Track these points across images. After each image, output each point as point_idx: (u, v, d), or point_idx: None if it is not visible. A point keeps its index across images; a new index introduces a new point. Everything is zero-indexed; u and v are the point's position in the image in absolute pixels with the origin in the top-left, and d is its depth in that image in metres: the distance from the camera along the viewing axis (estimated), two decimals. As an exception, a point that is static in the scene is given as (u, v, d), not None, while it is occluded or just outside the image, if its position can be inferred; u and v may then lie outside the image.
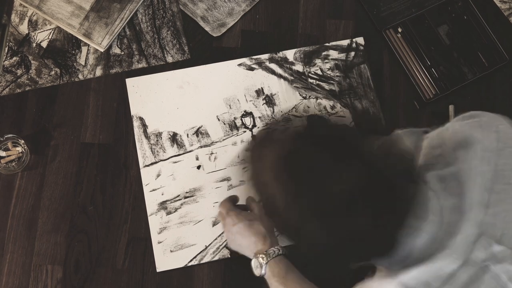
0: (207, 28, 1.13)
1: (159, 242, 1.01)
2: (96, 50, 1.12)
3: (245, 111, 1.09)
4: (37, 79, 1.10)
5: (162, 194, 1.04)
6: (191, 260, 1.01)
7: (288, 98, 1.10)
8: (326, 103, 1.10)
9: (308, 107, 1.09)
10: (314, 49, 1.13)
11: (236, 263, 1.01)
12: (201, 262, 1.01)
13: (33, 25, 1.13)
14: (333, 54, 1.12)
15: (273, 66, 1.11)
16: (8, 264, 1.00)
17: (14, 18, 1.13)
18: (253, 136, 1.07)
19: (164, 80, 1.10)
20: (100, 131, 1.07)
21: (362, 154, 0.62)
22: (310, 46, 1.13)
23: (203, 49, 1.13)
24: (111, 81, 1.10)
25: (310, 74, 1.11)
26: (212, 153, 1.06)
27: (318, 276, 0.78)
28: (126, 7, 1.13)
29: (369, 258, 0.65)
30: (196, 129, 1.08)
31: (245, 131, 1.08)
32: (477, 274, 0.61)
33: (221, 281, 1.00)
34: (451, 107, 1.09)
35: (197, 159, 1.06)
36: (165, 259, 1.00)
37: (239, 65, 1.11)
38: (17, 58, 1.11)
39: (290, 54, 1.12)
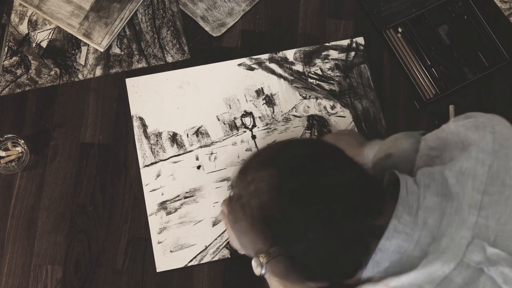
0: (207, 28, 1.13)
1: (159, 242, 1.01)
2: (96, 50, 1.11)
3: (245, 111, 1.09)
4: (37, 79, 1.10)
5: (162, 194, 1.04)
6: (191, 260, 1.00)
7: (288, 98, 1.10)
8: (326, 103, 1.10)
9: (308, 107, 1.09)
10: (314, 49, 1.13)
11: (236, 263, 1.01)
12: (201, 262, 1.00)
13: (32, 25, 1.13)
14: (333, 54, 1.12)
15: (273, 66, 1.11)
16: (8, 264, 1.00)
17: (14, 18, 1.13)
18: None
19: (164, 80, 1.10)
20: (100, 131, 1.07)
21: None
22: (310, 46, 1.13)
23: (203, 49, 1.13)
24: (111, 81, 1.10)
25: (310, 74, 1.11)
26: (212, 153, 1.06)
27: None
28: (126, 7, 1.12)
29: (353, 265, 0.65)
30: (196, 129, 1.07)
31: (245, 131, 1.08)
32: (471, 277, 0.61)
33: (221, 281, 1.00)
34: (451, 107, 1.09)
35: (197, 159, 1.06)
36: (165, 259, 1.00)
37: (239, 65, 1.11)
38: (17, 58, 1.11)
39: (290, 54, 1.12)
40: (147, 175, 1.04)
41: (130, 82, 1.09)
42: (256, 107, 1.09)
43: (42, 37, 1.12)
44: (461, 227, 0.62)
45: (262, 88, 1.10)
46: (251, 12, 1.15)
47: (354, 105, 1.10)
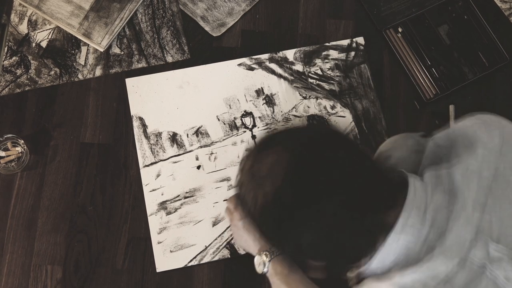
0: (207, 28, 1.13)
1: (159, 242, 1.01)
2: (95, 50, 1.11)
3: (245, 111, 1.09)
4: (37, 79, 1.10)
5: (162, 194, 1.04)
6: (191, 260, 1.00)
7: (288, 98, 1.10)
8: (326, 103, 1.10)
9: (308, 107, 1.09)
10: (314, 49, 1.12)
11: (236, 263, 1.00)
12: (201, 262, 1.00)
13: (32, 24, 1.13)
14: (333, 54, 1.12)
15: (273, 66, 1.11)
16: (8, 265, 1.00)
17: (14, 17, 1.13)
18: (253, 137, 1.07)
19: (164, 80, 1.10)
20: (99, 131, 1.07)
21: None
22: (310, 46, 1.13)
23: (203, 49, 1.13)
24: (111, 81, 1.10)
25: (310, 74, 1.11)
26: (212, 153, 1.06)
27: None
28: (125, 6, 1.12)
29: (356, 255, 0.66)
30: (196, 129, 1.07)
31: (245, 131, 1.08)
32: (475, 274, 0.61)
33: (221, 281, 1.00)
34: (451, 107, 1.09)
35: (197, 159, 1.06)
36: (165, 259, 1.00)
37: (239, 65, 1.11)
38: (17, 58, 1.11)
39: (290, 54, 1.12)
40: (147, 175, 1.04)
41: (130, 82, 1.09)
42: (256, 107, 1.09)
43: (42, 37, 1.12)
44: (465, 223, 0.62)
45: (262, 88, 1.10)
46: (251, 12, 1.15)
47: (354, 105, 1.09)
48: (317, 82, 1.11)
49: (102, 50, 1.11)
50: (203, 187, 1.04)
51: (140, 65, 1.11)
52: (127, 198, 1.03)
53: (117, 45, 1.12)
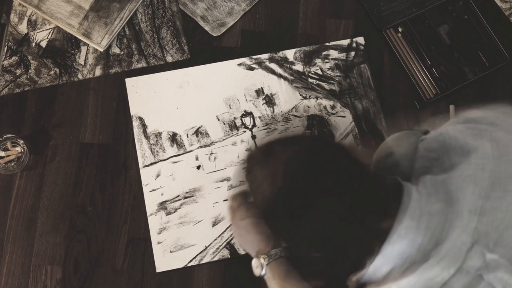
0: (207, 28, 1.13)
1: (158, 243, 1.01)
2: (95, 50, 1.11)
3: (245, 111, 1.09)
4: (37, 79, 1.09)
5: (162, 194, 1.03)
6: (190, 261, 1.00)
7: (288, 98, 1.09)
8: (326, 103, 1.09)
9: (308, 107, 1.09)
10: (314, 49, 1.12)
11: (236, 264, 1.00)
12: (201, 262, 1.00)
13: (32, 24, 1.12)
14: (333, 53, 1.12)
15: (273, 66, 1.11)
16: (8, 265, 1.00)
17: (13, 17, 1.13)
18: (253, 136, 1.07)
19: (164, 80, 1.10)
20: (99, 131, 1.07)
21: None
22: (310, 45, 1.12)
23: (203, 48, 1.12)
24: (110, 81, 1.10)
25: (310, 74, 1.11)
26: (212, 153, 1.06)
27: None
28: (125, 6, 1.12)
29: (357, 261, 0.66)
30: (196, 129, 1.07)
31: (245, 131, 1.08)
32: (471, 283, 0.61)
33: (220, 282, 1.00)
34: (451, 107, 1.09)
35: (197, 159, 1.06)
36: (165, 260, 1.00)
37: (239, 65, 1.11)
38: (16, 58, 1.11)
39: (290, 54, 1.12)
40: (146, 175, 1.04)
41: (129, 82, 1.09)
42: (256, 107, 1.09)
43: (41, 37, 1.12)
44: (461, 232, 0.62)
45: (262, 88, 1.10)
46: (251, 12, 1.15)
47: (354, 105, 1.09)
48: (317, 82, 1.10)
49: (102, 50, 1.10)
50: (203, 187, 1.04)
51: (140, 65, 1.11)
52: (127, 198, 1.03)
53: (117, 45, 1.12)
